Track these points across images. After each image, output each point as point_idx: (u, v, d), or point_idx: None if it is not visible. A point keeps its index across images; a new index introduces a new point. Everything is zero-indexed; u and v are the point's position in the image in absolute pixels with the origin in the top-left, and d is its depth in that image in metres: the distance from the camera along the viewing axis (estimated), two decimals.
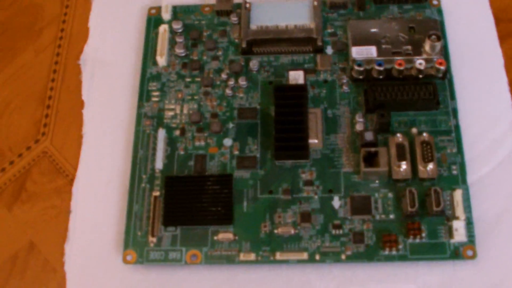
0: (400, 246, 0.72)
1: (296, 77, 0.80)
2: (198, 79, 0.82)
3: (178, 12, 0.87)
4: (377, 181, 0.75)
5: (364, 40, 0.81)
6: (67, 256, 0.77)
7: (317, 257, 0.72)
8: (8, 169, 0.83)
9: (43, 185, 0.82)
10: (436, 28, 0.80)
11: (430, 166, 0.74)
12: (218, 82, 0.82)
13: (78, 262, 0.76)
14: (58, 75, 0.88)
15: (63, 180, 0.81)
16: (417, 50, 0.80)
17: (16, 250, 0.78)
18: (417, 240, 0.72)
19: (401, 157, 0.74)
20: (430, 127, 0.77)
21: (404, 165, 0.74)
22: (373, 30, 0.81)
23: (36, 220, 0.80)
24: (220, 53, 0.84)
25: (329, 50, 0.83)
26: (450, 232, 0.72)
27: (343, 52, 0.82)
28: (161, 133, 0.79)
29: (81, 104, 0.84)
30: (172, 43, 0.85)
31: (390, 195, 0.74)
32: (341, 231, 0.73)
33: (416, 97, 0.77)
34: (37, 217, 0.80)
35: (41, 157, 0.83)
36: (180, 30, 0.85)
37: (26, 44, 0.90)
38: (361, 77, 0.80)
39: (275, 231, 0.74)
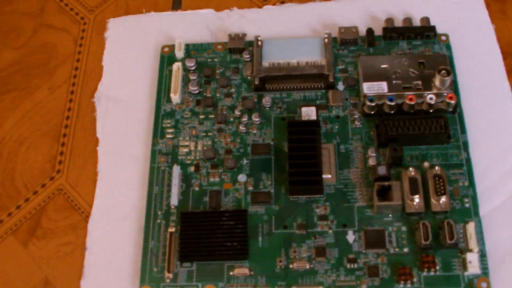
0: (415, 279, 0.72)
1: (309, 113, 0.81)
2: (212, 116, 0.83)
3: (191, 50, 0.88)
4: (390, 215, 0.76)
5: (374, 75, 0.82)
6: None
7: None
8: (23, 206, 0.83)
9: (58, 222, 0.82)
10: (445, 63, 0.82)
11: (443, 199, 0.75)
12: (231, 119, 0.83)
13: None
14: (73, 112, 0.89)
15: (78, 217, 0.82)
16: (427, 85, 0.81)
17: (31, 287, 0.79)
18: (432, 273, 0.73)
19: (414, 191, 0.75)
20: (442, 161, 0.78)
21: (417, 199, 0.75)
22: (384, 65, 0.83)
23: (51, 257, 0.80)
24: (233, 90, 0.85)
25: (340, 86, 0.84)
26: (464, 265, 0.73)
27: (354, 88, 0.84)
28: (176, 170, 0.80)
29: (95, 141, 0.85)
30: (186, 81, 0.86)
31: (403, 228, 0.75)
32: (356, 265, 0.74)
33: (427, 131, 0.78)
34: (52, 254, 0.80)
35: (56, 194, 0.84)
36: (193, 68, 0.86)
37: (40, 82, 0.92)
38: (372, 112, 0.81)
39: (291, 265, 0.74)
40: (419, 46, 0.86)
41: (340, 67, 0.85)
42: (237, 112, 0.83)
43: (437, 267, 0.73)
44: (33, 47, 0.95)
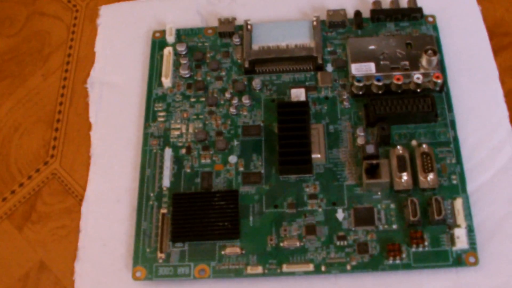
0: (404, 255, 0.74)
1: (298, 94, 0.83)
2: (203, 99, 0.84)
3: (182, 34, 0.89)
4: (379, 193, 0.77)
5: (363, 57, 0.83)
6: (77, 275, 0.78)
7: (323, 268, 0.74)
8: (18, 191, 0.85)
9: (52, 205, 0.83)
10: (432, 44, 0.83)
11: (431, 176, 0.76)
12: (222, 101, 0.84)
13: (88, 280, 0.78)
14: (66, 98, 0.90)
15: (72, 201, 0.83)
16: (415, 65, 0.82)
17: (27, 270, 0.80)
18: (420, 249, 0.74)
19: (402, 168, 0.76)
20: (430, 139, 0.79)
21: (405, 176, 0.76)
22: (372, 47, 0.84)
23: (46, 240, 0.81)
24: (223, 73, 0.86)
25: (329, 68, 0.85)
26: (452, 240, 0.74)
27: (343, 69, 0.85)
28: (168, 152, 0.81)
29: (88, 126, 0.87)
30: (177, 65, 0.87)
31: (392, 205, 0.76)
32: (345, 242, 0.75)
33: (415, 110, 0.79)
34: (48, 237, 0.81)
35: (50, 178, 0.85)
36: (184, 52, 0.87)
37: (34, 69, 0.93)
38: (361, 92, 0.82)
39: (281, 244, 0.75)
40: (406, 27, 0.87)
41: (329, 49, 0.86)
42: (227, 95, 0.84)
43: (426, 243, 0.74)
44: (27, 34, 0.96)
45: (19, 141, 0.88)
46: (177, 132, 0.83)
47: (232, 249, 0.76)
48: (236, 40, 0.87)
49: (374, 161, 0.76)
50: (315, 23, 0.86)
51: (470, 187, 0.77)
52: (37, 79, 0.92)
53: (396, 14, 0.86)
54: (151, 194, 0.79)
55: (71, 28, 0.95)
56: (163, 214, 0.78)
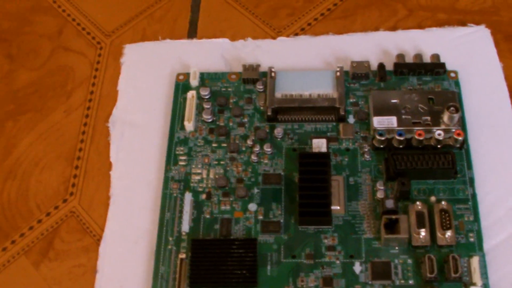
0: None
1: (320, 145, 0.83)
2: (224, 145, 0.85)
3: (205, 78, 0.90)
4: (397, 247, 0.77)
5: (385, 110, 0.84)
6: None
7: None
8: (36, 227, 0.85)
9: (70, 244, 0.84)
10: (454, 100, 0.84)
11: (448, 233, 0.76)
12: (243, 148, 0.85)
13: None
14: (87, 136, 0.90)
15: (90, 240, 0.83)
16: (436, 120, 0.83)
17: None
18: None
19: (420, 224, 0.77)
20: (448, 195, 0.80)
21: (423, 232, 0.77)
22: (394, 100, 0.85)
23: (62, 278, 0.81)
24: (246, 119, 0.87)
25: (351, 119, 0.86)
26: None
27: (364, 121, 0.85)
28: (188, 197, 0.82)
29: (109, 165, 0.87)
30: (200, 109, 0.88)
31: (409, 261, 0.77)
32: None
33: (435, 166, 0.79)
34: (64, 275, 0.81)
35: (69, 216, 0.85)
36: (207, 97, 0.88)
37: (56, 104, 0.93)
38: (382, 146, 0.82)
39: None
40: (428, 82, 0.88)
41: (351, 100, 0.87)
42: (249, 142, 0.85)
43: None
44: (50, 69, 0.96)
45: (39, 177, 0.88)
46: (197, 177, 0.83)
47: None
48: (259, 87, 0.88)
49: (393, 216, 0.77)
50: (338, 73, 0.87)
51: (486, 245, 0.78)
52: (59, 114, 0.93)
53: (419, 69, 0.87)
54: (170, 238, 0.80)
55: (95, 65, 0.96)
56: (182, 259, 0.78)
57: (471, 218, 0.79)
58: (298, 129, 0.86)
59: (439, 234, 0.77)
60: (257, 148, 0.84)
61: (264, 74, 0.89)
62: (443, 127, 0.82)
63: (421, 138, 0.81)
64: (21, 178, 0.88)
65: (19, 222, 0.85)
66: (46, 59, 0.97)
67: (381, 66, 0.88)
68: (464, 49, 0.91)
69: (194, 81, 0.89)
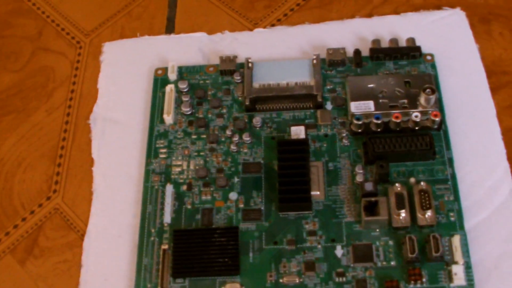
0: None
1: (298, 132, 0.84)
2: (204, 136, 0.86)
3: (183, 72, 0.91)
4: (377, 230, 0.78)
5: (362, 95, 0.84)
6: None
7: None
8: (20, 226, 0.85)
9: (55, 240, 0.84)
10: (430, 82, 0.84)
11: (429, 213, 0.77)
12: (223, 139, 0.85)
13: None
14: (69, 134, 0.91)
15: (74, 236, 0.84)
16: (413, 103, 0.83)
17: None
18: (418, 285, 0.74)
19: (400, 205, 0.77)
20: (428, 177, 0.80)
21: (403, 214, 0.77)
22: (371, 85, 0.85)
23: (48, 275, 0.82)
24: (224, 110, 0.87)
25: (328, 106, 0.86)
26: (449, 277, 0.74)
27: (342, 107, 0.86)
28: (169, 189, 0.82)
29: (91, 162, 0.88)
30: (178, 102, 0.88)
31: (390, 242, 0.77)
32: (344, 279, 0.75)
33: (413, 148, 0.80)
34: (49, 272, 0.82)
35: (52, 213, 0.86)
36: (186, 90, 0.89)
37: (38, 105, 0.94)
38: (360, 130, 0.83)
39: (281, 280, 0.76)
40: (405, 66, 0.88)
41: (328, 87, 0.87)
42: (228, 132, 0.85)
43: (424, 280, 0.74)
44: (31, 70, 0.97)
45: (22, 176, 0.89)
46: (178, 169, 0.84)
47: (232, 285, 0.76)
48: (237, 78, 0.89)
49: (373, 199, 0.77)
50: (315, 61, 0.87)
51: (467, 224, 0.78)
52: (41, 114, 0.93)
53: (395, 53, 0.88)
54: (152, 230, 0.80)
55: (75, 64, 0.97)
56: (164, 250, 0.78)
57: (451, 198, 0.79)
58: (276, 117, 0.86)
59: (419, 215, 0.77)
60: (236, 138, 0.84)
61: (242, 65, 0.89)
62: (420, 109, 0.83)
63: (398, 120, 0.81)
64: (4, 178, 0.89)
65: (4, 221, 0.86)
66: (27, 61, 0.98)
67: (357, 52, 0.88)
68: (440, 32, 0.92)
69: (172, 75, 0.90)
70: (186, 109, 0.87)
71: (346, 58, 0.88)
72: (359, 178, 0.80)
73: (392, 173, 0.81)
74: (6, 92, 0.96)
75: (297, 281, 0.76)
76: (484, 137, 0.84)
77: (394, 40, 0.89)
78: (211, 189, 0.82)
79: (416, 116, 0.81)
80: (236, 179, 0.82)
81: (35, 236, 0.84)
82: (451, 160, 0.81)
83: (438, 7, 0.94)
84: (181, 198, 0.82)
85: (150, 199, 0.82)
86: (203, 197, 0.82)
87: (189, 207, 0.81)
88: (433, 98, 0.82)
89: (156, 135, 0.86)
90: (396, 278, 0.75)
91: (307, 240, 0.78)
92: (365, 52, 0.89)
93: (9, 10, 1.03)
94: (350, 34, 0.93)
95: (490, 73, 0.89)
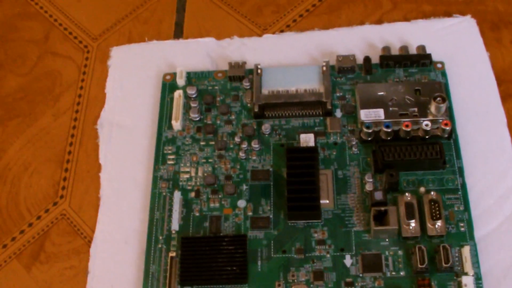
0: None
1: (307, 139, 0.83)
2: (212, 143, 0.85)
3: (192, 78, 0.90)
4: (387, 239, 0.77)
5: (371, 103, 0.84)
6: None
7: None
8: (27, 231, 0.85)
9: (61, 246, 0.84)
10: (440, 90, 0.84)
11: (438, 223, 0.76)
12: (231, 145, 0.85)
13: None
14: (76, 138, 0.90)
15: (81, 241, 0.83)
16: (423, 111, 0.83)
17: None
18: None
19: (410, 215, 0.77)
20: (438, 186, 0.80)
21: (413, 223, 0.76)
22: (380, 93, 0.84)
23: (54, 281, 0.81)
24: (233, 117, 0.87)
25: (338, 113, 0.86)
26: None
27: (351, 114, 0.85)
28: (177, 195, 0.82)
29: (98, 167, 0.87)
30: (187, 108, 0.88)
31: (400, 252, 0.76)
32: None
33: (423, 157, 0.79)
34: (56, 278, 0.82)
35: (59, 219, 0.85)
36: (194, 95, 0.88)
37: (45, 109, 0.93)
38: (369, 138, 0.82)
39: None
40: (415, 73, 0.87)
41: (338, 94, 0.87)
42: (237, 139, 0.85)
43: None
44: (38, 74, 0.97)
45: (28, 181, 0.88)
46: (186, 176, 0.83)
47: None
48: (246, 84, 0.88)
49: (382, 208, 0.77)
50: (324, 68, 0.86)
51: (477, 234, 0.77)
52: (48, 118, 0.93)
53: (405, 61, 0.87)
54: (160, 237, 0.80)
55: (82, 69, 0.96)
56: (172, 258, 0.78)
57: (461, 208, 0.78)
58: (285, 124, 0.86)
59: (429, 225, 0.76)
60: (244, 145, 0.84)
61: (250, 71, 0.89)
62: (430, 117, 0.82)
63: (408, 129, 0.81)
64: (11, 183, 0.88)
65: (10, 226, 0.85)
66: (34, 64, 0.98)
67: (366, 59, 0.88)
68: (450, 39, 0.91)
69: (180, 81, 0.89)
70: (194, 115, 0.86)
71: (356, 65, 0.88)
72: (368, 187, 0.80)
73: (402, 182, 0.80)
74: (12, 96, 0.95)
75: None
76: (494, 146, 0.84)
77: (404, 48, 0.88)
78: (219, 196, 0.82)
79: (426, 125, 0.80)
80: (244, 187, 0.82)
81: (42, 242, 0.84)
82: (461, 170, 0.81)
83: (448, 14, 0.93)
84: (189, 205, 0.81)
85: (158, 206, 0.82)
86: (211, 205, 0.81)
87: (197, 214, 0.81)
88: (443, 106, 0.81)
89: (164, 141, 0.86)
90: None
91: (315, 249, 0.77)
92: (375, 59, 0.88)
93: (16, 13, 1.03)
94: (360, 40, 0.92)
95: (500, 81, 0.88)
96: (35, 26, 1.01)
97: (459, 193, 0.79)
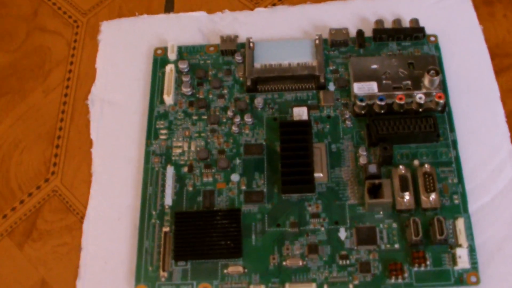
0: (406, 275, 0.74)
1: (300, 113, 0.83)
2: (205, 117, 0.84)
3: (183, 52, 0.89)
4: (381, 212, 0.77)
5: (365, 76, 0.83)
6: None
7: (326, 287, 0.74)
8: (18, 208, 0.84)
9: (53, 223, 0.83)
10: (434, 64, 0.83)
11: (432, 196, 0.76)
12: (224, 120, 0.84)
13: None
14: (67, 115, 0.90)
15: (74, 218, 0.83)
16: (417, 85, 0.82)
17: None
18: (422, 268, 0.74)
19: (404, 188, 0.76)
20: (431, 159, 0.80)
21: (407, 196, 0.76)
22: (374, 66, 0.84)
23: (47, 258, 0.81)
24: (225, 91, 0.86)
25: (331, 87, 0.85)
26: (453, 260, 0.74)
27: (345, 88, 0.85)
28: (170, 170, 0.81)
29: (89, 143, 0.86)
30: (179, 83, 0.87)
31: (394, 225, 0.76)
32: (348, 262, 0.75)
33: (417, 130, 0.79)
34: (48, 255, 0.81)
35: (51, 195, 0.85)
36: (186, 70, 0.88)
37: (35, 85, 0.92)
38: (363, 112, 0.82)
39: (284, 263, 0.75)
40: (408, 47, 0.87)
41: (331, 68, 0.86)
42: (229, 113, 0.84)
43: (428, 263, 0.74)
44: (27, 50, 0.96)
45: (19, 158, 0.87)
46: (179, 150, 0.83)
47: (235, 268, 0.76)
48: (238, 58, 0.87)
49: (376, 181, 0.76)
50: (317, 41, 0.86)
51: (471, 207, 0.78)
52: (38, 95, 0.92)
53: (398, 34, 0.87)
54: (153, 213, 0.79)
55: (72, 44, 0.95)
56: (165, 233, 0.78)
57: (455, 181, 0.78)
58: (278, 98, 0.85)
59: (423, 197, 0.76)
60: (237, 119, 0.83)
61: (242, 45, 0.88)
62: (424, 91, 0.82)
63: (402, 102, 0.80)
64: (1, 160, 0.87)
65: (1, 204, 0.85)
66: (23, 41, 0.96)
67: (359, 32, 0.87)
68: (443, 13, 0.91)
69: (172, 55, 0.88)
70: (186, 90, 0.86)
71: (348, 39, 0.87)
72: (362, 160, 0.80)
73: (396, 155, 0.80)
74: (1, 73, 0.94)
75: (300, 264, 0.75)
76: (487, 120, 0.84)
77: (397, 21, 0.88)
78: (213, 170, 0.81)
79: (420, 98, 0.80)
80: (237, 161, 0.81)
81: (34, 219, 0.83)
82: (455, 142, 0.81)
83: None
84: (182, 180, 0.81)
85: (151, 181, 0.81)
86: (205, 179, 0.81)
87: (190, 189, 0.80)
88: (437, 79, 0.81)
89: (156, 116, 0.85)
90: (400, 261, 0.74)
91: (310, 223, 0.77)
92: (368, 33, 0.88)
93: None
94: (352, 14, 0.91)
95: (494, 55, 0.88)
96: (24, 2, 1.00)
97: (453, 166, 0.79)
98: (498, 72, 0.87)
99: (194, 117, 0.85)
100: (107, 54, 0.92)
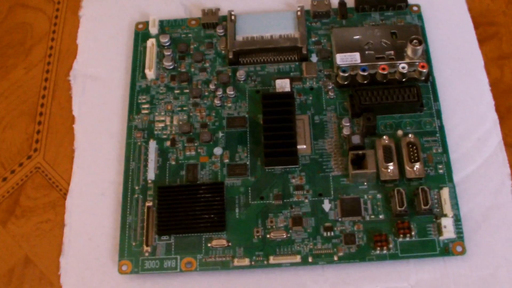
0: (391, 245, 0.74)
1: (283, 85, 0.82)
2: (187, 91, 0.84)
3: (165, 26, 0.89)
4: (365, 183, 0.77)
5: (347, 47, 0.83)
6: (63, 269, 0.78)
7: (310, 259, 0.74)
8: (1, 186, 0.84)
9: (36, 200, 0.82)
10: (417, 33, 0.83)
11: (417, 166, 0.76)
12: (206, 93, 0.83)
13: (74, 274, 0.77)
14: (49, 91, 0.89)
15: (57, 194, 0.82)
16: (400, 54, 0.82)
17: (12, 265, 0.79)
18: (407, 239, 0.74)
19: (388, 158, 0.76)
20: (415, 129, 0.79)
21: (391, 166, 0.76)
22: (356, 37, 0.83)
23: (31, 235, 0.80)
24: (207, 64, 0.85)
25: (314, 58, 0.84)
26: (439, 230, 0.74)
27: (327, 59, 0.84)
28: (152, 145, 0.80)
29: (72, 119, 0.86)
30: (160, 57, 0.86)
31: (379, 196, 0.76)
32: (332, 233, 0.75)
33: (400, 100, 0.79)
34: (32, 232, 0.81)
35: (33, 172, 0.84)
36: (167, 44, 0.87)
37: (16, 62, 0.91)
38: (346, 83, 0.81)
39: (268, 235, 0.75)
40: (391, 17, 0.86)
41: (313, 39, 0.86)
42: (211, 86, 0.83)
43: (413, 233, 0.74)
44: (8, 27, 0.94)
45: (1, 135, 0.87)
46: (161, 125, 0.82)
47: (219, 242, 0.75)
48: (220, 31, 0.87)
49: (360, 152, 0.76)
50: (299, 13, 0.85)
51: (456, 177, 0.77)
52: (19, 72, 0.91)
53: (381, 4, 0.86)
54: (136, 187, 0.79)
55: (53, 20, 0.94)
56: (149, 207, 0.77)
57: (440, 150, 0.78)
58: (260, 70, 0.84)
59: (407, 167, 0.76)
60: (220, 92, 0.83)
61: (224, 18, 0.88)
62: (407, 60, 0.81)
63: (385, 72, 0.80)
64: None
65: None
66: (4, 17, 0.95)
67: (342, 3, 0.87)
68: None
69: (153, 29, 0.87)
70: (168, 64, 0.85)
71: (331, 10, 0.87)
72: (346, 131, 0.79)
73: (379, 126, 0.80)
74: None
75: (285, 236, 0.75)
76: (472, 89, 0.83)
77: None
78: (195, 144, 0.80)
79: (403, 68, 0.80)
80: (220, 134, 0.81)
81: (17, 196, 0.83)
82: (439, 112, 0.80)
83: None
84: (165, 154, 0.80)
85: (133, 156, 0.80)
86: (187, 153, 0.80)
87: (173, 163, 0.80)
88: (420, 49, 0.80)
89: (138, 90, 0.84)
90: (385, 232, 0.74)
91: (294, 195, 0.77)
92: (350, 4, 0.87)
93: None
94: None
95: (477, 24, 0.87)
96: None
97: (437, 135, 0.79)
98: (482, 41, 0.86)
99: (176, 91, 0.84)
100: (89, 30, 0.92)
